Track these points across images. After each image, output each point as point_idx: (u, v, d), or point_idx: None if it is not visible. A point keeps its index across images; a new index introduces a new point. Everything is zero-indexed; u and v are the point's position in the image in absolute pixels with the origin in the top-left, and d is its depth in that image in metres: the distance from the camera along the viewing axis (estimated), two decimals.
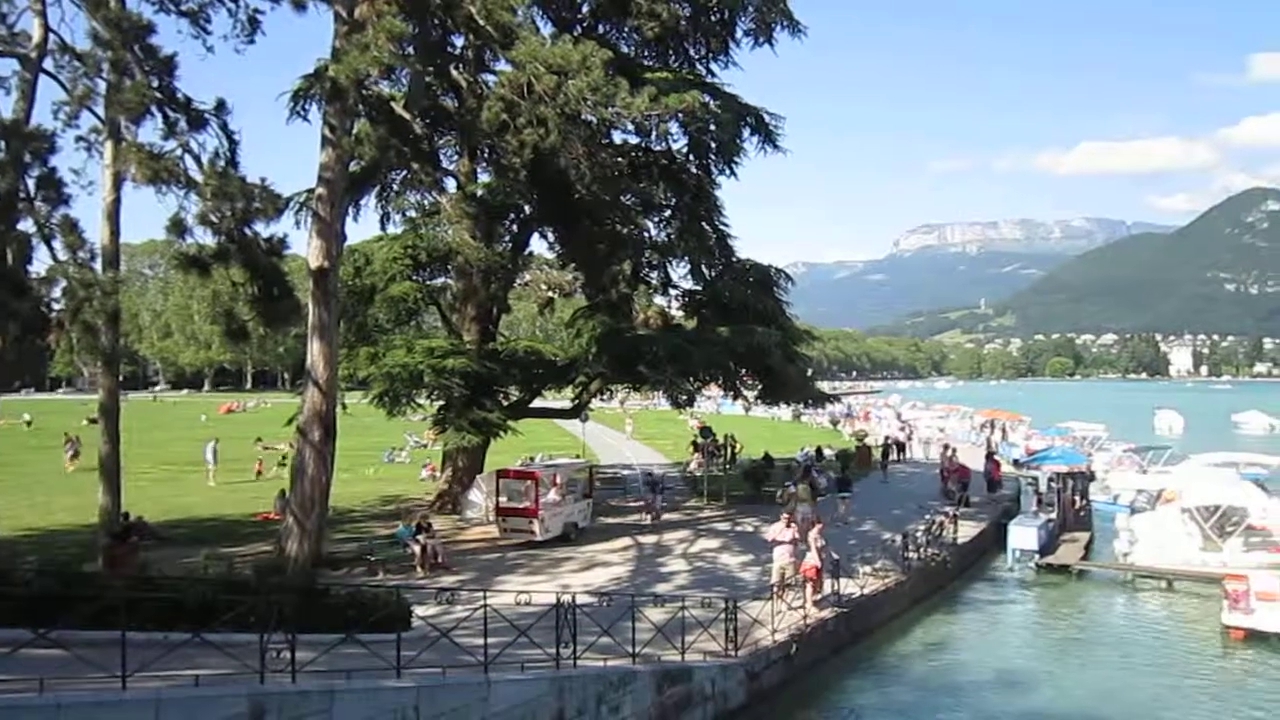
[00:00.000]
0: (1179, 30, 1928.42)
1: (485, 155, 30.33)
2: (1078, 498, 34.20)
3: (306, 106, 28.88)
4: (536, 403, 35.11)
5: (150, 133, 19.58)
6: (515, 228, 32.37)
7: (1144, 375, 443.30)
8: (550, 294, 37.52)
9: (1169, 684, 18.73)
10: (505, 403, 31.50)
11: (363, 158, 24.76)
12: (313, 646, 10.79)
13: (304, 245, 22.64)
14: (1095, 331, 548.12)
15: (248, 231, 20.01)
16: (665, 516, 30.43)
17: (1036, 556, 28.42)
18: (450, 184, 30.48)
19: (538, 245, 34.83)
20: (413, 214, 32.79)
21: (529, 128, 21.68)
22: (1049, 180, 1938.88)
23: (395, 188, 32.42)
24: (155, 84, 19.12)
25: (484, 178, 30.97)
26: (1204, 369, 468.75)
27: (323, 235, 21.40)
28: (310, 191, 25.97)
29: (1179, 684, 18.77)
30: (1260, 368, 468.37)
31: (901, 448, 51.35)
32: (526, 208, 31.04)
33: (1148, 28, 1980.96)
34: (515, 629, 12.94)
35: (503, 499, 26.42)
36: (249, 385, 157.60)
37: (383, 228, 33.61)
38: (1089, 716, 16.79)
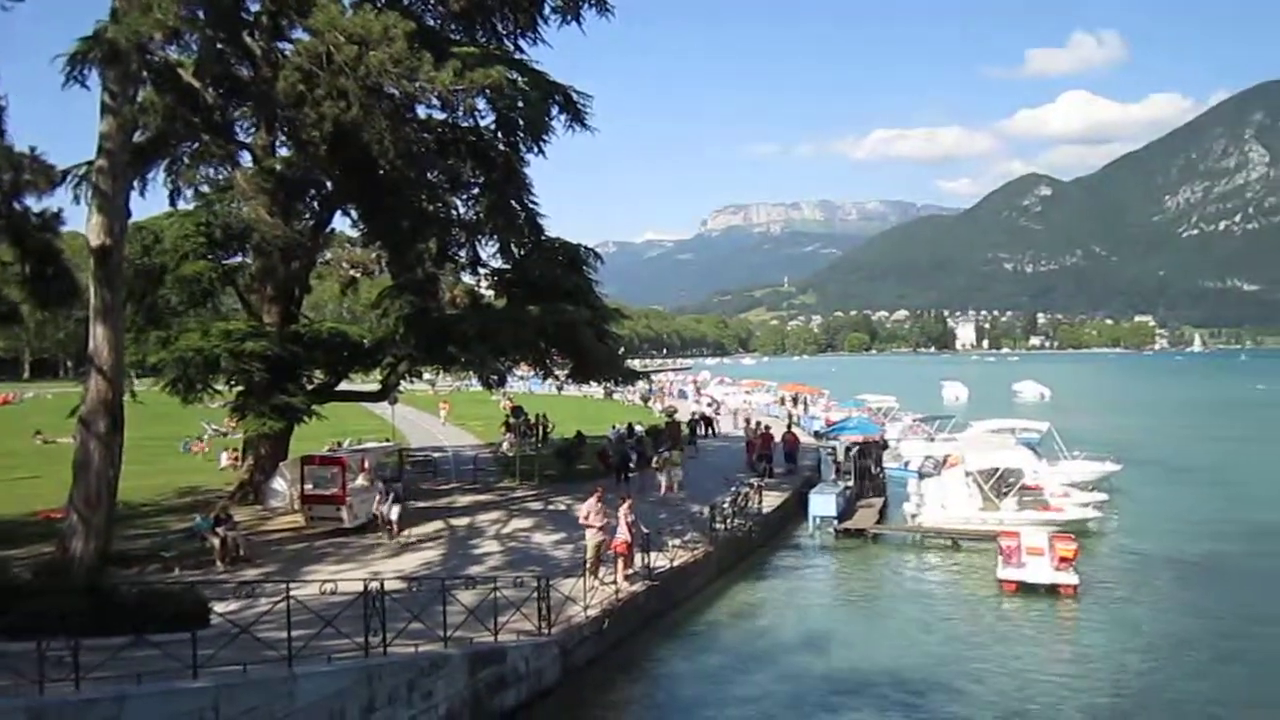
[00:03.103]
0: (965, 23, 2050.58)
1: (283, 128, 28.98)
2: (873, 465, 36.14)
3: (85, 72, 26.70)
4: (343, 386, 34.04)
5: None
6: (316, 204, 31.11)
7: (933, 349, 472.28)
8: (353, 273, 36.33)
9: (951, 636, 20.20)
10: (309, 387, 30.40)
11: (148, 128, 23.24)
12: (101, 651, 10.18)
13: (85, 222, 21.06)
14: (889, 308, 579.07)
15: (17, 206, 18.47)
16: (479, 498, 30.23)
17: (835, 522, 29.93)
18: (246, 158, 28.99)
19: (341, 223, 33.63)
20: (205, 189, 30.96)
21: (328, 100, 20.90)
22: (846, 164, 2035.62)
23: (186, 161, 30.43)
24: None
25: (283, 152, 29.64)
26: (986, 343, 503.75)
27: (104, 211, 19.91)
28: (91, 164, 24.14)
29: (960, 635, 20.28)
30: (1035, 340, 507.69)
31: (709, 423, 52.79)
32: (328, 183, 29.90)
33: (937, 19, 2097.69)
34: (321, 620, 12.59)
35: (308, 486, 25.55)
36: (27, 375, 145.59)
37: (173, 203, 31.56)
38: (883, 670, 17.78)
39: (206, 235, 28.96)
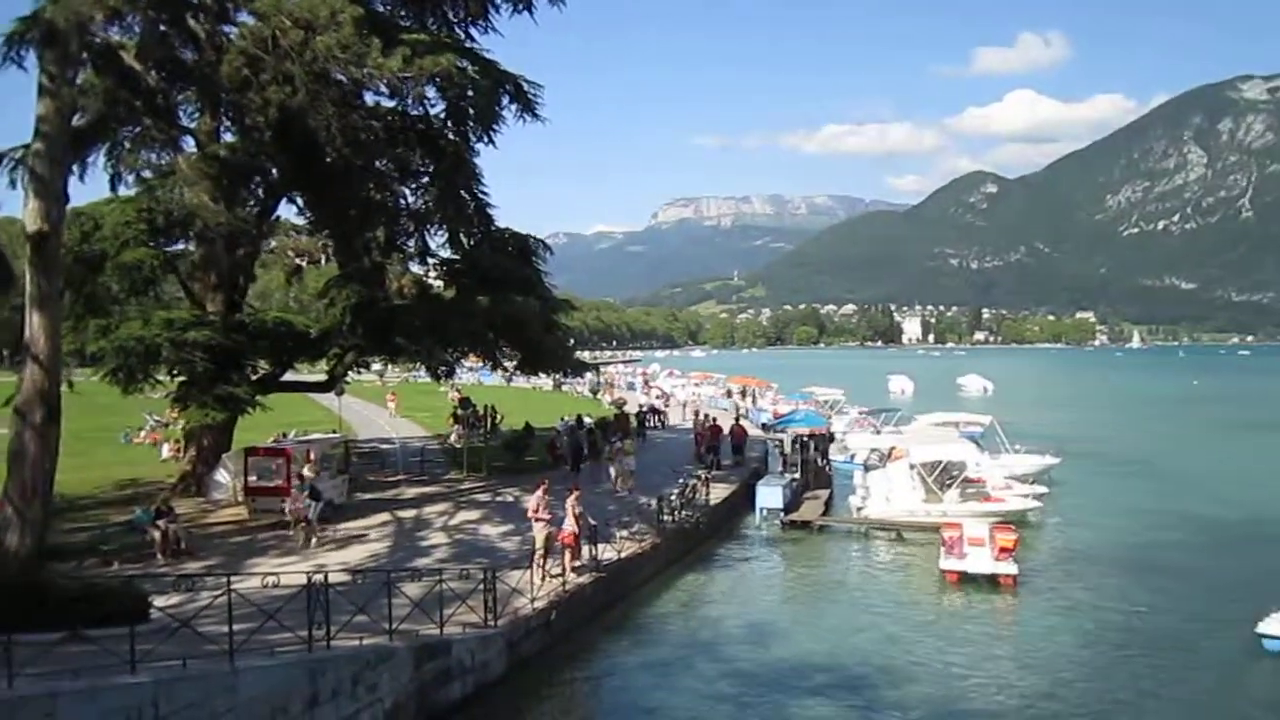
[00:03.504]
0: (914, 20, 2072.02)
1: (228, 113, 28.45)
2: (819, 458, 36.48)
3: (22, 53, 25.96)
4: (289, 376, 33.59)
5: None
6: (261, 191, 30.59)
7: (880, 343, 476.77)
8: (299, 262, 35.83)
9: (894, 626, 20.52)
10: (254, 377, 29.93)
11: (88, 111, 22.63)
12: (36, 647, 9.98)
13: (22, 207, 20.52)
14: (837, 302, 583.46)
15: None
16: (426, 490, 30.04)
17: (782, 514, 30.23)
18: (189, 143, 28.41)
19: (286, 210, 33.15)
20: (147, 174, 30.29)
21: (274, 85, 20.60)
22: (796, 159, 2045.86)
23: (127, 145, 29.73)
24: None
25: (227, 137, 29.10)
26: (931, 337, 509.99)
27: (42, 196, 19.38)
28: (27, 147, 23.50)
29: (903, 625, 20.61)
30: (979, 335, 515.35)
31: (658, 414, 52.92)
32: (273, 170, 29.43)
33: (887, 14, 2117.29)
34: (264, 613, 12.45)
35: (252, 478, 25.22)
36: None
37: (113, 189, 30.82)
38: (827, 660, 18.03)
39: (148, 222, 28.36)
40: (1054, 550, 27.69)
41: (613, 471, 31.66)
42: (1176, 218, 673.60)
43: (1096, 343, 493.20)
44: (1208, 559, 26.84)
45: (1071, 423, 66.19)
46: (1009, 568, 23.11)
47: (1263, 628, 18.39)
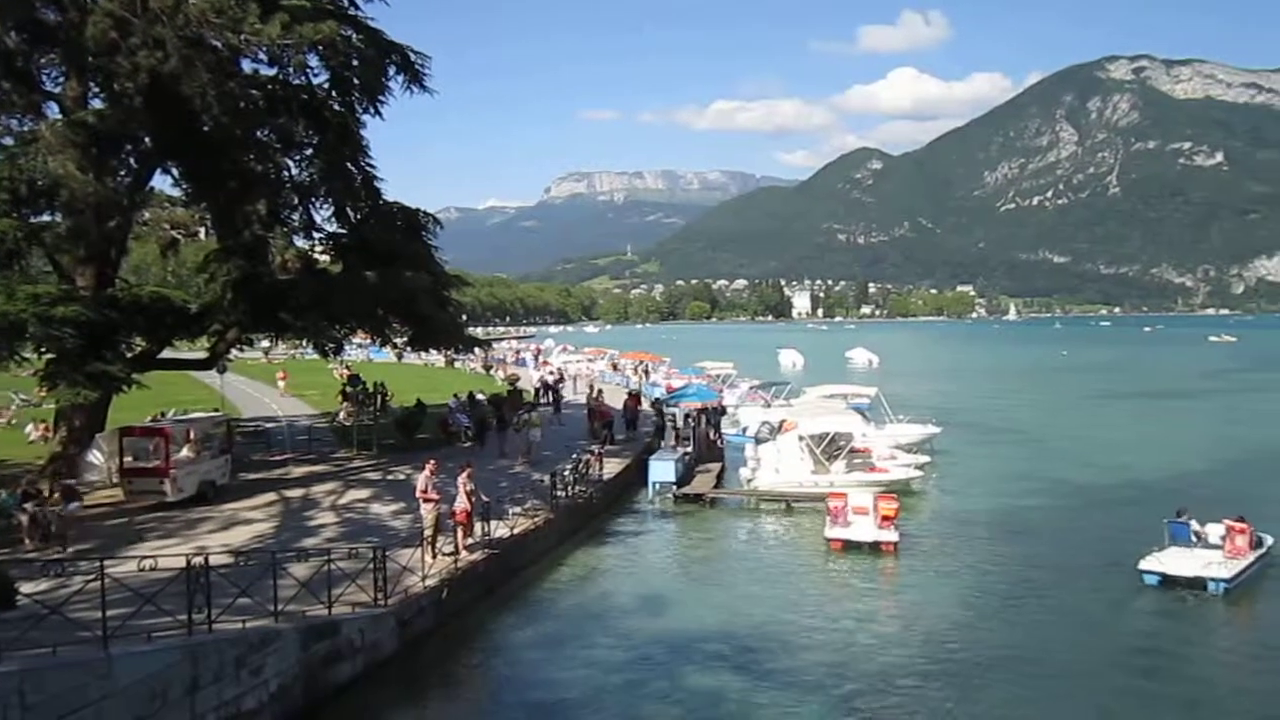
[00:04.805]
0: None
1: (95, 78, 27.09)
2: (711, 431, 36.93)
3: None
4: (168, 354, 32.33)
5: None
6: (133, 161, 29.26)
7: (771, 317, 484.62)
8: (175, 234, 34.44)
9: (781, 594, 21.02)
10: (129, 354, 28.72)
11: None
12: None
13: None
14: (729, 277, 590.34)
15: None
16: (314, 469, 29.44)
17: (674, 488, 30.54)
18: (54, 109, 26.97)
19: (161, 181, 31.75)
20: (9, 141, 28.66)
21: (144, 50, 19.68)
22: (689, 134, 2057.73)
23: None
24: None
25: (96, 104, 27.71)
26: (821, 311, 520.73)
27: None
28: None
29: (791, 593, 21.12)
30: (866, 309, 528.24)
31: (552, 390, 52.73)
32: (146, 139, 28.18)
33: None
34: (141, 598, 12.04)
35: (128, 459, 24.27)
36: None
37: None
38: (718, 630, 18.35)
39: (10, 191, 26.76)
40: (935, 516, 28.72)
41: (520, 443, 31.99)
42: (1050, 194, 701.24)
43: (975, 315, 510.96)
44: (1081, 517, 28.33)
45: (952, 393, 68.68)
46: (891, 535, 23.89)
47: (1144, 565, 20.78)
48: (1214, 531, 21.53)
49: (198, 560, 13.02)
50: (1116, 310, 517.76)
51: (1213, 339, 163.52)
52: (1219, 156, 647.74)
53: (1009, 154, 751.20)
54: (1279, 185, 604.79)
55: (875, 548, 23.85)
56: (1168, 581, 20.33)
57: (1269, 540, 22.03)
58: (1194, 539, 21.57)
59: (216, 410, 34.44)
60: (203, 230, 35.12)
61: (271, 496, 25.62)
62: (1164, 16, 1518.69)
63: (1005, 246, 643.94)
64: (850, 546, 24.07)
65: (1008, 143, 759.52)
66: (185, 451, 24.64)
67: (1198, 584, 20.03)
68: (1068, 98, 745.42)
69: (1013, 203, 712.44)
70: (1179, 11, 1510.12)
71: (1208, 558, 20.61)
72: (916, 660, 16.77)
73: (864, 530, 24.07)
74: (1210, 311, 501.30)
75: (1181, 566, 20.44)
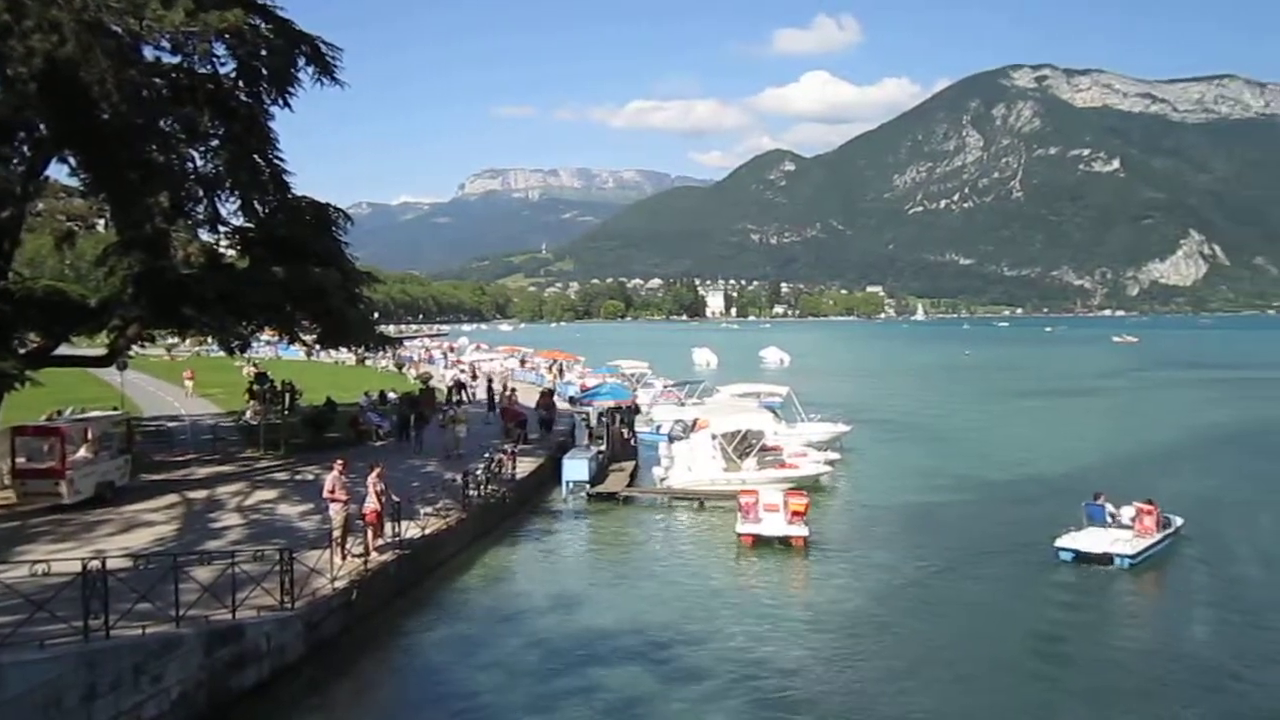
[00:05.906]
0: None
1: None
2: (625, 430, 37.03)
3: None
4: (64, 350, 31.13)
5: None
6: (27, 149, 28.12)
7: (685, 316, 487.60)
8: (70, 226, 33.18)
9: (694, 590, 21.20)
10: (22, 350, 27.61)
11: None
12: None
13: None
14: (644, 276, 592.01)
15: None
16: (220, 469, 28.67)
17: (588, 486, 30.55)
18: None
19: (57, 171, 30.56)
20: None
21: (39, 33, 18.89)
22: (604, 133, 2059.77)
23: None
24: None
25: None
26: (734, 310, 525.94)
27: None
28: None
29: (702, 589, 21.37)
30: (779, 309, 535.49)
31: (463, 388, 52.26)
32: (41, 126, 27.09)
33: None
34: (33, 604, 11.60)
35: (21, 459, 23.31)
36: None
37: None
38: (631, 628, 18.38)
39: None
40: (844, 511, 29.35)
41: (449, 440, 32.44)
42: (956, 197, 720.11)
43: (884, 315, 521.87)
44: (989, 508, 29.53)
45: (861, 392, 70.06)
46: (801, 530, 24.30)
47: (1060, 543, 22.94)
48: (1126, 513, 23.76)
49: (95, 564, 12.59)
50: (1019, 311, 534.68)
51: (1116, 340, 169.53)
52: (1116, 163, 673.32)
53: (917, 158, 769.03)
54: (1171, 191, 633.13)
55: (785, 542, 24.23)
56: (1081, 558, 22.41)
57: (1178, 521, 24.56)
58: (1109, 520, 23.76)
59: (116, 409, 33.31)
60: (101, 222, 33.97)
61: (174, 498, 24.89)
62: (1065, 28, 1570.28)
63: (913, 248, 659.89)
64: (761, 542, 24.39)
65: (916, 147, 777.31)
66: (82, 452, 23.80)
67: (1105, 559, 22.20)
68: (974, 104, 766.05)
69: (921, 205, 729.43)
70: (1079, 23, 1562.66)
71: (1117, 535, 23.01)
72: (826, 652, 17.08)
73: (774, 526, 24.43)
74: (1107, 313, 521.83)
75: (1093, 544, 22.66)
